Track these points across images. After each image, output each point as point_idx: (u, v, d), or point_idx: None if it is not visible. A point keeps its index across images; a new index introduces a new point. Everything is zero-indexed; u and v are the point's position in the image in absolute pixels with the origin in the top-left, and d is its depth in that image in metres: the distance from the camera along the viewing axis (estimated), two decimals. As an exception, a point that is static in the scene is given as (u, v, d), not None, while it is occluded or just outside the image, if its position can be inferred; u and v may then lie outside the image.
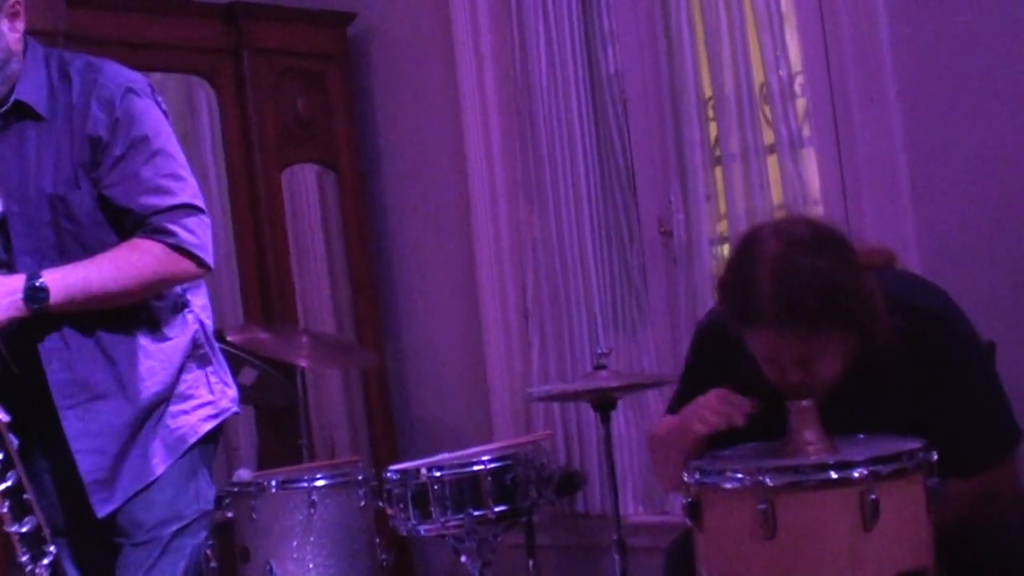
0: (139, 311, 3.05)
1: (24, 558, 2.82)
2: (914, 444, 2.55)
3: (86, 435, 2.97)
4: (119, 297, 2.96)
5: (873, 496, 2.43)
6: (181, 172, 3.06)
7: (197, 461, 3.14)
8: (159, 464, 3.04)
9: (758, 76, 4.47)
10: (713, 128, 4.70)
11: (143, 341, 3.06)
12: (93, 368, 2.99)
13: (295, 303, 5.67)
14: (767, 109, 4.45)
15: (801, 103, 4.37)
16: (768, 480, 2.48)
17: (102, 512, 2.97)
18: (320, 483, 4.36)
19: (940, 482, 2.54)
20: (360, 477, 4.45)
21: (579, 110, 5.08)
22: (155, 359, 3.06)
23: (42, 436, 3.03)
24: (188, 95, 5.68)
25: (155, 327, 3.09)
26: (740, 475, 2.54)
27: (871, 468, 2.46)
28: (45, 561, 2.83)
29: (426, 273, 5.85)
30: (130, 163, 2.98)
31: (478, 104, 5.42)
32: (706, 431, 2.71)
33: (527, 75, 5.21)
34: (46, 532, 2.85)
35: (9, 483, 2.80)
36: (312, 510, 4.31)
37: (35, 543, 2.82)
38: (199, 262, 3.05)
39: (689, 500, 2.62)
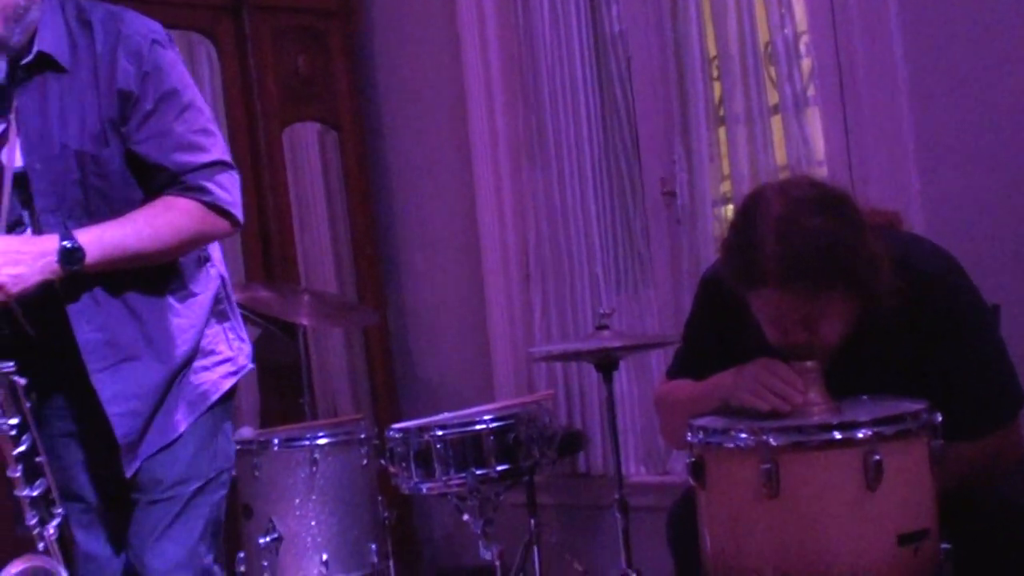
0: (167, 268, 2.99)
1: (32, 521, 2.78)
2: (918, 405, 2.55)
3: (121, 397, 2.91)
4: (155, 256, 2.90)
5: (877, 457, 2.43)
6: (211, 127, 3.00)
7: (219, 418, 3.10)
8: (181, 421, 3.00)
9: (763, 35, 4.45)
10: (717, 88, 4.68)
11: (171, 299, 3.00)
12: (123, 328, 2.93)
13: (297, 262, 5.66)
14: (772, 69, 4.44)
15: (806, 63, 4.35)
16: (772, 440, 2.48)
17: (130, 472, 2.94)
18: (322, 441, 4.37)
19: (944, 444, 2.54)
20: (362, 436, 4.46)
21: (582, 70, 5.07)
22: (183, 316, 3.01)
23: (62, 399, 3.00)
24: (189, 52, 5.65)
25: (183, 284, 3.03)
26: (744, 435, 2.54)
27: (875, 429, 2.46)
28: (53, 524, 2.80)
29: (428, 232, 5.85)
30: (161, 118, 2.90)
31: (480, 63, 5.40)
32: (766, 408, 2.68)
33: (530, 34, 5.19)
34: (55, 495, 2.81)
35: (24, 447, 2.77)
36: (314, 468, 4.31)
37: (44, 506, 2.79)
38: (233, 220, 3.00)
39: (692, 459, 2.62)
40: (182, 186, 2.92)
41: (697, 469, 2.62)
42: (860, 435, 2.46)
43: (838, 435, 2.47)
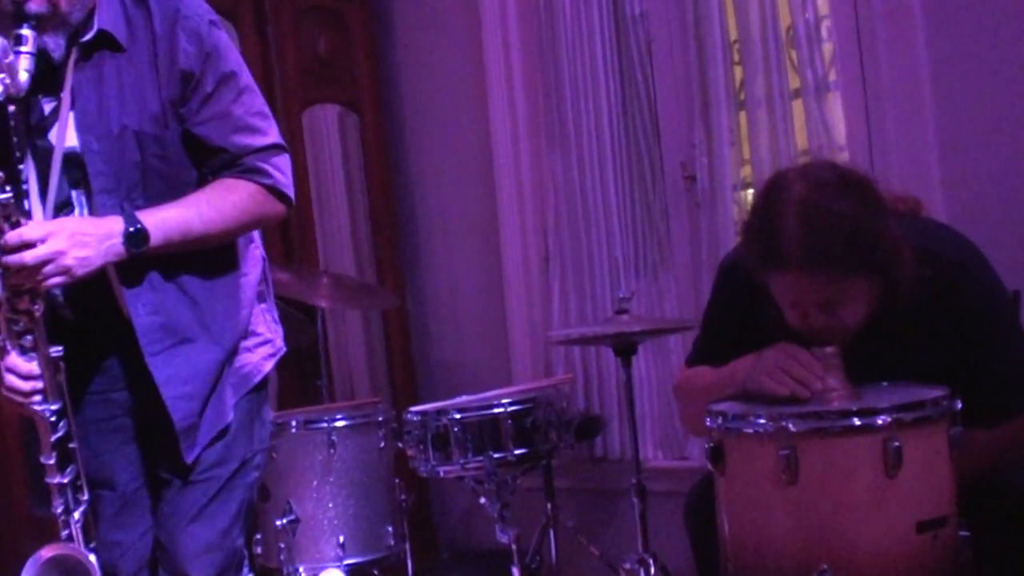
0: (220, 249, 2.96)
1: (59, 508, 2.77)
2: (938, 392, 2.55)
3: (176, 380, 2.87)
4: (217, 238, 2.88)
5: (896, 443, 2.43)
6: (266, 109, 3.00)
7: (257, 401, 3.09)
8: (230, 405, 2.98)
9: (784, 19, 4.43)
10: (738, 72, 4.67)
11: (225, 280, 2.98)
12: (178, 311, 2.89)
13: (316, 244, 5.66)
14: (793, 53, 4.42)
15: (828, 47, 4.33)
16: (791, 426, 2.48)
17: (190, 457, 2.90)
18: (340, 424, 4.38)
19: (962, 431, 2.54)
20: (380, 418, 4.47)
21: (603, 53, 5.05)
22: (234, 297, 2.99)
23: (93, 384, 2.97)
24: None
25: (235, 265, 3.01)
26: (763, 420, 2.53)
27: (895, 415, 2.46)
28: (79, 511, 2.78)
29: (447, 215, 5.84)
30: (220, 100, 2.88)
31: (501, 45, 5.39)
32: (785, 393, 2.68)
33: (551, 16, 5.18)
34: (83, 481, 2.79)
35: (61, 433, 2.75)
36: (332, 450, 4.32)
37: (71, 493, 2.77)
38: (289, 203, 3.01)
39: (711, 445, 2.62)
40: (241, 168, 2.92)
41: (716, 454, 2.61)
42: (880, 421, 2.45)
43: (857, 421, 2.47)
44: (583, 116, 5.09)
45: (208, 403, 2.92)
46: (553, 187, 5.23)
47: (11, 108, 2.71)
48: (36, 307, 2.70)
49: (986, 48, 3.88)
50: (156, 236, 2.76)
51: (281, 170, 2.98)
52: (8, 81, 2.66)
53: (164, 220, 2.78)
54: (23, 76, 2.67)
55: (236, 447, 3.00)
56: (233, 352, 2.98)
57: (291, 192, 3.01)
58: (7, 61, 2.66)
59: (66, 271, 2.67)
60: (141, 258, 2.79)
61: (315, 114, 5.80)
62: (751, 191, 4.64)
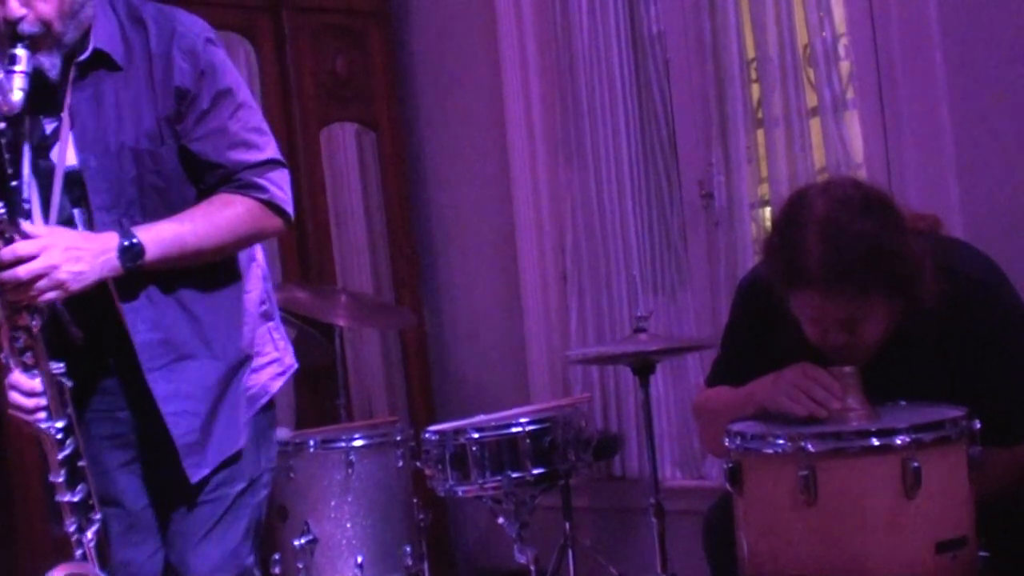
0: (219, 265, 2.97)
1: (72, 528, 2.76)
2: (957, 412, 2.54)
3: (176, 397, 2.87)
4: (213, 253, 2.89)
5: (915, 464, 2.42)
6: (263, 125, 3.02)
7: (265, 421, 3.09)
8: (244, 427, 2.98)
9: (802, 38, 4.43)
10: (756, 90, 4.67)
11: (225, 296, 2.98)
12: (178, 327, 2.89)
13: (333, 262, 5.67)
14: (810, 71, 4.42)
15: (845, 65, 4.33)
16: (810, 446, 2.47)
17: (196, 477, 2.89)
18: (358, 443, 4.37)
19: (982, 450, 2.53)
20: (398, 438, 4.46)
21: (620, 71, 5.05)
22: (236, 314, 3.00)
23: (100, 402, 2.98)
24: (227, 53, 5.64)
25: (236, 281, 3.02)
26: (781, 441, 2.53)
27: (913, 435, 2.45)
28: (92, 529, 2.78)
29: (465, 234, 5.85)
30: (217, 116, 2.90)
31: (518, 64, 5.40)
32: (803, 413, 2.67)
33: (568, 35, 5.19)
34: (94, 500, 2.79)
35: (68, 451, 2.75)
36: (350, 470, 4.32)
37: (83, 512, 2.77)
38: (287, 218, 3.00)
39: (730, 465, 2.61)
40: (238, 183, 2.92)
41: (734, 474, 2.61)
42: (898, 442, 2.45)
43: (876, 442, 2.46)
44: (601, 134, 5.10)
45: (216, 422, 2.93)
46: (571, 205, 5.23)
47: (2, 125, 2.74)
48: (34, 323, 2.71)
49: (1004, 65, 3.87)
50: (152, 251, 2.77)
51: (278, 185, 2.98)
52: (1, 100, 2.69)
53: (160, 235, 2.79)
54: (17, 95, 2.69)
55: (244, 466, 3.00)
56: (236, 368, 2.98)
57: (289, 207, 3.01)
58: (0, 80, 2.69)
59: (60, 285, 2.69)
60: (140, 274, 2.81)
61: (333, 132, 5.81)
62: (768, 209, 4.64)
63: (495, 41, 5.48)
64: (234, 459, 2.97)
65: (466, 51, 5.74)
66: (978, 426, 2.53)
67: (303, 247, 5.52)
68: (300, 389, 5.46)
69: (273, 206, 2.96)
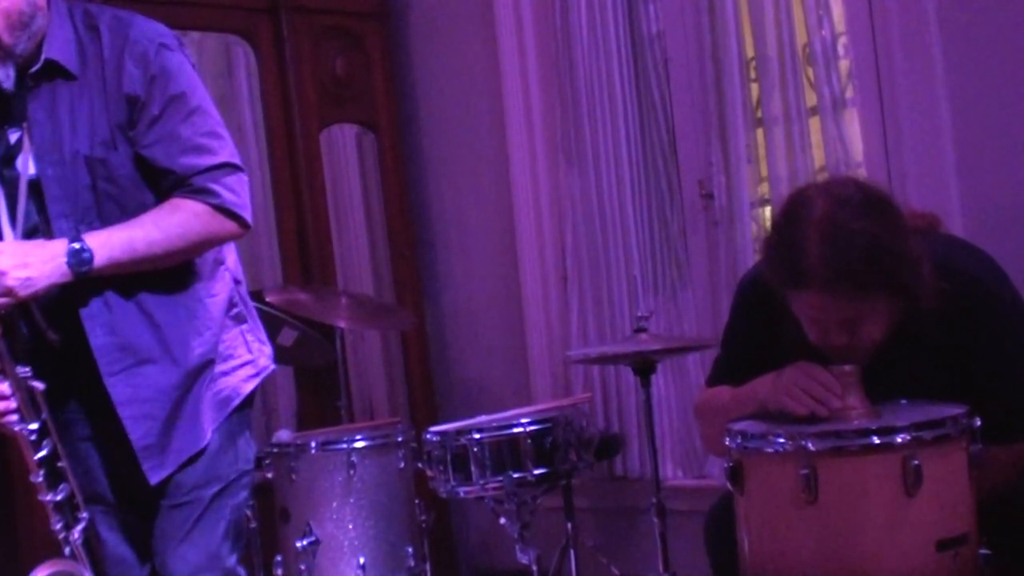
0: (180, 270, 2.98)
1: (58, 526, 2.80)
2: (957, 410, 2.54)
3: (134, 401, 2.90)
4: (163, 259, 2.90)
5: (916, 462, 2.42)
6: (219, 129, 3.00)
7: (240, 421, 3.10)
8: (208, 428, 3.00)
9: (801, 37, 4.44)
10: (755, 89, 4.67)
11: (186, 301, 2.99)
12: (137, 332, 2.92)
13: (334, 264, 5.67)
14: (810, 70, 4.42)
15: (844, 64, 4.33)
16: (810, 445, 2.47)
17: (155, 479, 2.92)
18: (360, 444, 4.37)
19: (982, 448, 2.53)
20: (400, 439, 4.46)
21: (620, 71, 5.05)
22: (199, 318, 3.00)
23: (78, 403, 3.00)
24: (226, 55, 5.68)
25: (197, 286, 3.02)
26: (782, 440, 2.53)
27: (914, 434, 2.45)
28: (78, 528, 2.80)
29: (465, 235, 5.85)
30: (168, 122, 2.90)
31: (518, 65, 5.40)
32: (804, 412, 2.67)
33: (568, 35, 5.19)
34: (79, 499, 2.82)
35: (45, 452, 2.78)
36: (352, 471, 4.32)
37: (68, 511, 2.80)
38: (241, 222, 2.99)
39: (731, 464, 2.62)
40: (189, 188, 2.92)
41: (735, 474, 2.61)
42: (899, 440, 2.45)
43: (877, 440, 2.46)
44: (600, 134, 5.10)
45: (176, 425, 2.95)
46: (571, 206, 5.23)
47: None
48: None
49: (1004, 63, 3.87)
50: (100, 256, 2.79)
51: (231, 189, 2.97)
52: None
53: (109, 240, 2.81)
54: None
55: (219, 468, 3.03)
56: (199, 372, 2.99)
57: (243, 211, 2.99)
58: None
59: (8, 292, 2.72)
60: (98, 279, 2.84)
61: (333, 134, 5.81)
62: (768, 209, 4.65)
63: (495, 42, 5.48)
64: (201, 460, 3.00)
65: (466, 52, 5.74)
66: (978, 424, 2.53)
67: (304, 249, 5.52)
68: (301, 391, 5.47)
69: (224, 210, 2.96)
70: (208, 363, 3.02)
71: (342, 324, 4.99)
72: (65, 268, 2.77)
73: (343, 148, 5.92)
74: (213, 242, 3.01)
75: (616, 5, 5.06)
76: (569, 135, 5.22)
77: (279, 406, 5.57)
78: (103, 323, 2.89)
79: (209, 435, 3.00)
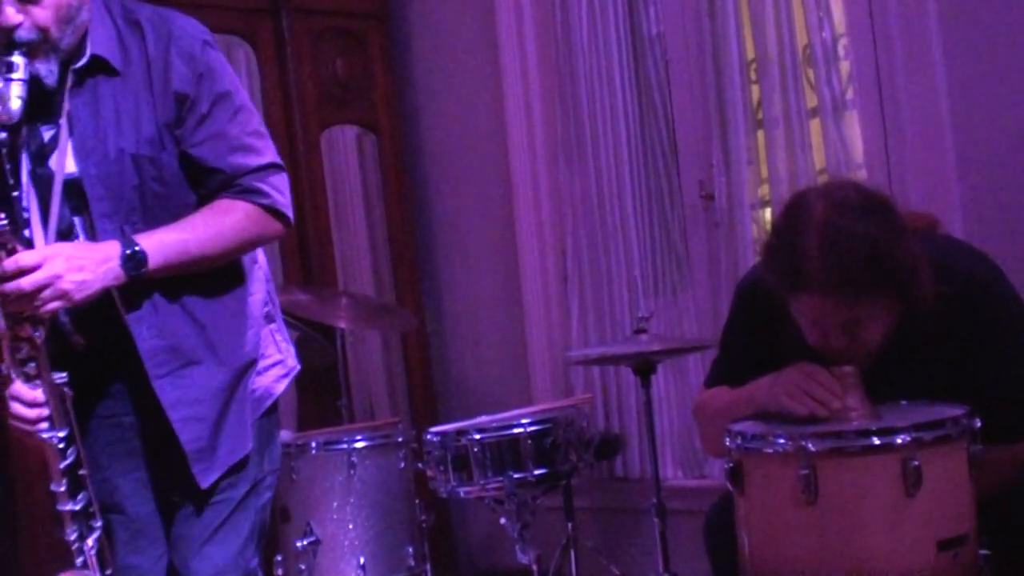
0: (223, 270, 2.95)
1: (73, 536, 2.75)
2: (957, 411, 2.54)
3: (183, 403, 2.85)
4: (215, 259, 2.87)
5: (916, 463, 2.42)
6: (262, 129, 2.99)
7: (268, 423, 3.08)
8: (251, 430, 2.97)
9: (801, 38, 4.44)
10: (755, 91, 4.67)
11: (230, 301, 2.96)
12: (184, 333, 2.87)
13: (334, 265, 5.67)
14: (810, 72, 4.42)
15: (845, 66, 4.33)
16: (810, 445, 2.47)
17: (206, 482, 2.88)
18: (360, 444, 4.38)
19: (982, 449, 2.53)
20: (400, 439, 4.47)
21: (620, 72, 5.06)
22: (240, 317, 2.97)
23: (104, 408, 2.96)
24: (227, 55, 5.62)
25: (239, 286, 2.99)
26: (782, 440, 2.53)
27: (914, 434, 2.46)
28: (93, 536, 2.77)
29: (466, 236, 5.85)
30: (216, 120, 2.87)
31: (518, 66, 5.40)
32: (804, 412, 2.67)
33: (568, 36, 5.19)
34: (95, 508, 2.78)
35: (70, 460, 2.73)
36: (352, 471, 4.33)
37: (84, 519, 2.76)
38: (287, 222, 2.98)
39: (731, 465, 2.62)
40: (238, 188, 2.90)
41: (735, 474, 2.61)
42: (899, 441, 2.45)
43: (877, 441, 2.47)
44: (601, 135, 5.10)
45: (224, 427, 2.91)
46: (571, 207, 5.24)
47: (3, 135, 2.72)
48: (37, 334, 2.69)
49: (1004, 65, 3.87)
50: (154, 258, 2.75)
51: (278, 189, 2.96)
52: (0, 109, 2.67)
53: (162, 242, 2.77)
54: (15, 104, 2.67)
55: (249, 469, 2.99)
56: (243, 373, 2.96)
57: (289, 211, 2.99)
58: None
59: (64, 295, 2.66)
60: (144, 281, 2.79)
61: (333, 135, 5.81)
62: (769, 210, 4.65)
63: (495, 43, 5.49)
64: (240, 463, 2.96)
65: (466, 53, 5.75)
66: (978, 424, 2.53)
67: (304, 250, 5.52)
68: (302, 391, 5.47)
69: (274, 211, 2.94)
70: (251, 363, 2.99)
71: (342, 324, 4.99)
72: (119, 271, 2.72)
73: (343, 149, 5.93)
74: (261, 242, 3.00)
75: (616, 6, 5.07)
76: (569, 136, 5.22)
77: (280, 406, 5.56)
78: (150, 325, 2.84)
79: (252, 440, 2.98)
